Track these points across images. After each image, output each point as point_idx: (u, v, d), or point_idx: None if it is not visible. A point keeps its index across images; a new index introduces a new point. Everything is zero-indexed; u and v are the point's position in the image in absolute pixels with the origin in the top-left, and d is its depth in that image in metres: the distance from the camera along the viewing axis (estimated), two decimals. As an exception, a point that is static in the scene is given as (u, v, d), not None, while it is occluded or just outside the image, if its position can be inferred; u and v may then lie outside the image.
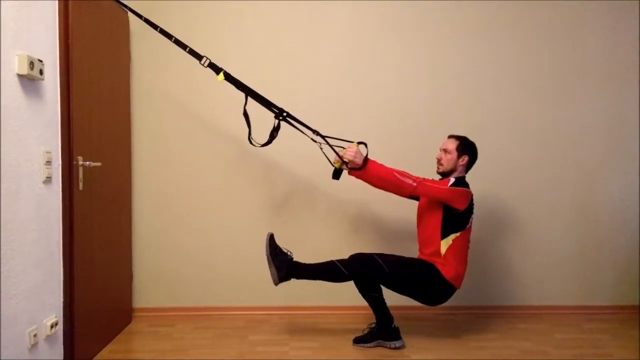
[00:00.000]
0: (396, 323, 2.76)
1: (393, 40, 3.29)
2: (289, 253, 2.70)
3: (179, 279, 3.26)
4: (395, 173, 2.56)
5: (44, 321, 2.15)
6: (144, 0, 3.02)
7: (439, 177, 2.80)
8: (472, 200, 2.70)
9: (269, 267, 2.63)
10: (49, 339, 2.19)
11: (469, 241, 2.76)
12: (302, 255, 2.78)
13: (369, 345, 2.74)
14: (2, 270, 1.87)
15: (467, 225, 2.70)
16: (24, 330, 2.02)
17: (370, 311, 2.77)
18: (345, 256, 2.74)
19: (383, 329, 2.74)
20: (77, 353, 2.37)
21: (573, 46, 3.37)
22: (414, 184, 2.55)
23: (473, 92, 3.34)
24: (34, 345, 2.07)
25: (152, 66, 3.18)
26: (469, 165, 2.77)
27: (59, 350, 2.28)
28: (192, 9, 3.18)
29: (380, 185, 2.65)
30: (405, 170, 2.63)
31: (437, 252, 2.68)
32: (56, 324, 2.23)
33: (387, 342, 2.72)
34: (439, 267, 2.66)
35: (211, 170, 3.25)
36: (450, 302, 3.32)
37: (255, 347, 2.73)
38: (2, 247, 1.86)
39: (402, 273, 2.66)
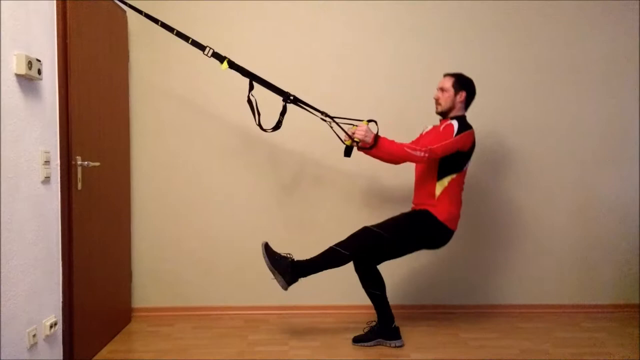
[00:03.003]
0: (396, 322, 2.76)
1: (391, 39, 3.29)
2: (288, 256, 2.66)
3: (178, 278, 3.26)
4: (405, 148, 2.51)
5: (43, 321, 2.15)
6: (142, 0, 3.01)
7: (439, 117, 2.75)
8: (474, 139, 2.66)
9: (274, 276, 2.60)
10: (48, 339, 2.19)
11: (463, 183, 2.72)
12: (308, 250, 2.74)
13: (368, 344, 2.74)
14: (1, 270, 1.86)
15: (465, 167, 2.67)
16: (23, 331, 2.01)
17: (370, 310, 2.77)
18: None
19: (383, 328, 2.74)
20: (76, 353, 2.37)
21: (571, 45, 3.36)
22: (425, 155, 2.51)
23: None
24: (33, 346, 2.06)
25: (150, 65, 3.17)
26: (467, 102, 2.72)
27: (58, 350, 2.27)
28: (190, 9, 3.17)
29: (391, 160, 2.66)
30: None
31: (431, 194, 2.65)
32: (55, 324, 2.22)
33: (387, 342, 2.72)
34: (431, 209, 2.63)
35: (210, 169, 3.25)
36: (450, 301, 3.37)
37: (254, 347, 2.73)
38: (1, 247, 1.86)
39: (398, 230, 2.64)
